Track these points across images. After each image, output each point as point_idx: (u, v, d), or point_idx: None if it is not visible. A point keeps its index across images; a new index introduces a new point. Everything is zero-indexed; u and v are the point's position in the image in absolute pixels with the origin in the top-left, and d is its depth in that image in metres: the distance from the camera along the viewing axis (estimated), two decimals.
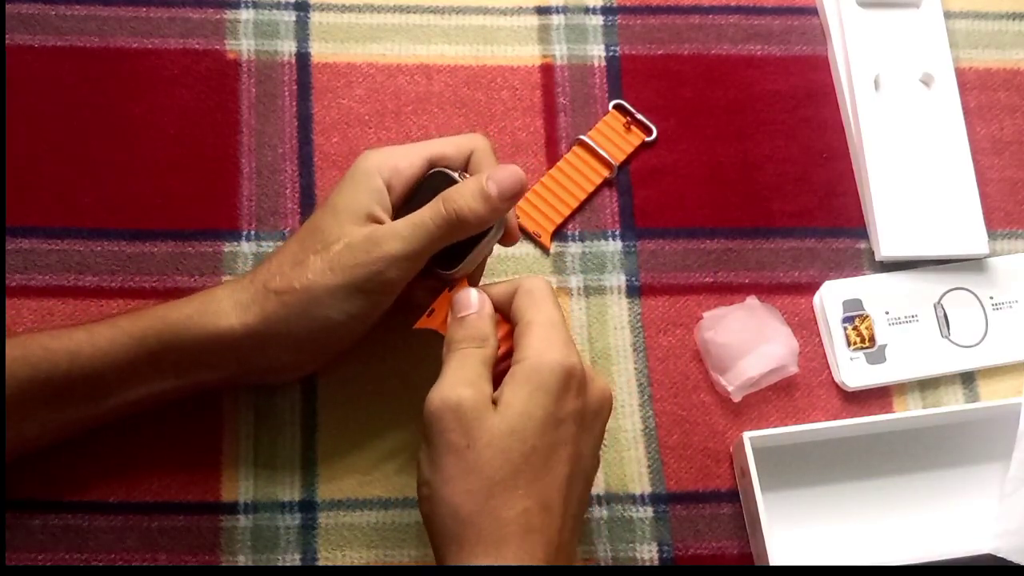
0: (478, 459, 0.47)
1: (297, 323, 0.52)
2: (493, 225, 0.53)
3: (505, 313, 0.53)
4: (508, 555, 0.46)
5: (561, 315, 0.51)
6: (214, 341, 0.52)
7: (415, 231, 0.51)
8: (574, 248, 0.64)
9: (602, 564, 0.59)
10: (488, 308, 0.52)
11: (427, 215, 0.51)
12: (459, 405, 0.48)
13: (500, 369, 0.51)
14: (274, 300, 0.52)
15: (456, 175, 0.53)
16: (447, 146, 0.54)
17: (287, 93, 0.66)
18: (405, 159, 0.53)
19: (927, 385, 0.63)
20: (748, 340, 0.61)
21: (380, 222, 0.52)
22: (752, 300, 0.63)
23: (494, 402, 0.49)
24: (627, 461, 0.61)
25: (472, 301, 0.52)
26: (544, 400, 0.48)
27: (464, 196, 0.51)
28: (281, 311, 0.51)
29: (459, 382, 0.49)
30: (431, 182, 0.54)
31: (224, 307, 0.52)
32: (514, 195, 0.52)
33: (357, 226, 0.52)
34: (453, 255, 0.53)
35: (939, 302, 0.64)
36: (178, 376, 0.54)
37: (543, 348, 0.49)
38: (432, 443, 0.48)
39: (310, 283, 0.51)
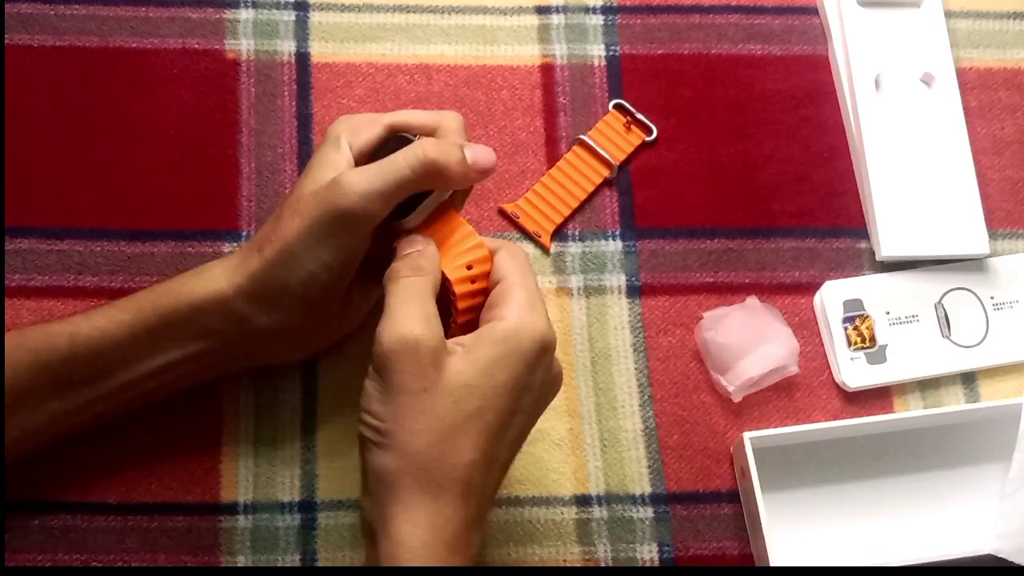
0: (434, 404, 0.47)
1: (279, 277, 0.52)
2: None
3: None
4: (446, 500, 0.47)
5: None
6: (207, 304, 0.53)
7: (382, 168, 0.51)
8: (574, 248, 0.64)
9: (602, 564, 0.59)
10: (432, 250, 0.52)
11: (400, 157, 0.51)
12: (416, 347, 0.47)
13: (475, 303, 0.51)
14: (256, 257, 0.52)
15: (414, 139, 0.53)
16: (413, 116, 0.55)
17: (287, 93, 0.66)
18: (368, 126, 0.54)
19: (927, 385, 0.63)
20: (748, 340, 0.60)
21: None
22: (752, 300, 0.63)
23: (459, 344, 0.49)
24: (627, 461, 0.61)
25: (416, 243, 0.52)
26: (517, 367, 0.48)
27: (445, 150, 0.51)
28: (263, 266, 0.52)
29: (412, 318, 0.48)
30: (389, 147, 0.53)
31: (215, 273, 0.54)
32: (483, 172, 0.52)
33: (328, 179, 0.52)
34: (407, 209, 0.53)
35: (940, 302, 0.64)
36: (177, 346, 0.54)
37: (526, 314, 0.49)
38: (386, 381, 0.48)
39: (283, 231, 0.52)
